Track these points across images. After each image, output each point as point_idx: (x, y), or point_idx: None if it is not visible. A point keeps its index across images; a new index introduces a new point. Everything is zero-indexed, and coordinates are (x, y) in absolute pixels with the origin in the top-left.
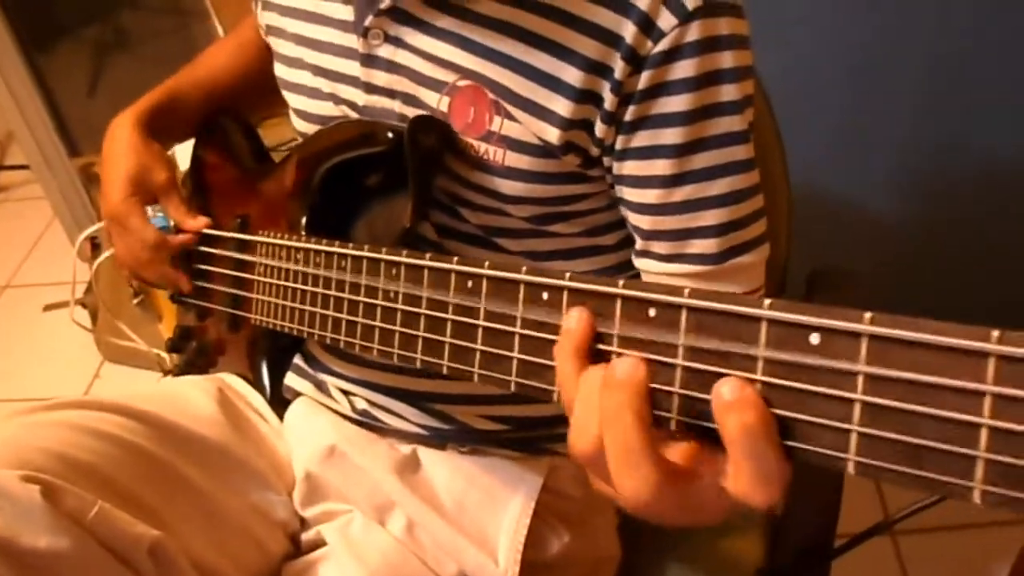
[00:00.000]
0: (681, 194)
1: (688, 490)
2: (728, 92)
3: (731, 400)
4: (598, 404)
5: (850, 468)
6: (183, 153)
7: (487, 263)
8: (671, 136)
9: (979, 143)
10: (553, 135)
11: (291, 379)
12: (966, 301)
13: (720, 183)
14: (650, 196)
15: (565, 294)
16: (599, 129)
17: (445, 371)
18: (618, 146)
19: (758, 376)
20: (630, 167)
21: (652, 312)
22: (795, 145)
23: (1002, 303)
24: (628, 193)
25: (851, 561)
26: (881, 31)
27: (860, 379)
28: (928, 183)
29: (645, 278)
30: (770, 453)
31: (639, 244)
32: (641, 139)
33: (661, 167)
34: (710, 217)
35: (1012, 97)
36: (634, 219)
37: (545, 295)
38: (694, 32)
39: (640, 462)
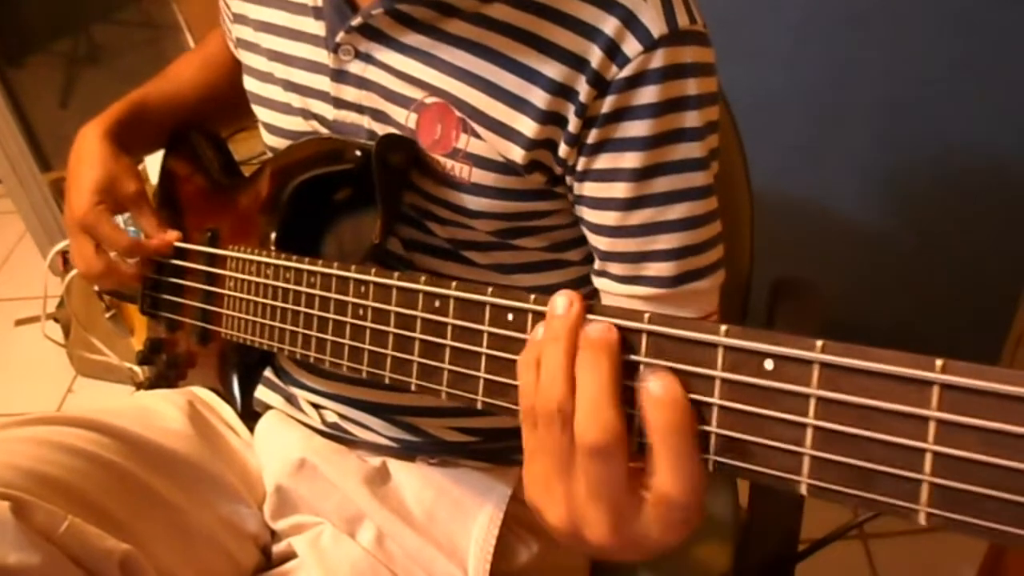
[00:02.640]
0: (638, 217)
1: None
2: (690, 119)
3: (659, 397)
4: (567, 361)
5: (803, 490)
6: (153, 166)
7: (454, 284)
8: (631, 160)
9: (942, 153)
10: (518, 155)
11: (261, 392)
12: (929, 308)
13: (678, 208)
14: (608, 218)
15: (530, 316)
16: (562, 150)
17: (413, 388)
18: (579, 167)
19: (715, 399)
20: (590, 188)
21: None
22: (759, 156)
23: (964, 309)
24: (587, 214)
25: (823, 564)
26: (845, 43)
27: (812, 404)
28: (892, 192)
29: (603, 298)
30: (686, 448)
31: (597, 264)
32: (602, 161)
33: (620, 190)
34: (666, 241)
35: (974, 108)
36: (593, 239)
37: (510, 316)
38: (659, 59)
39: (607, 406)
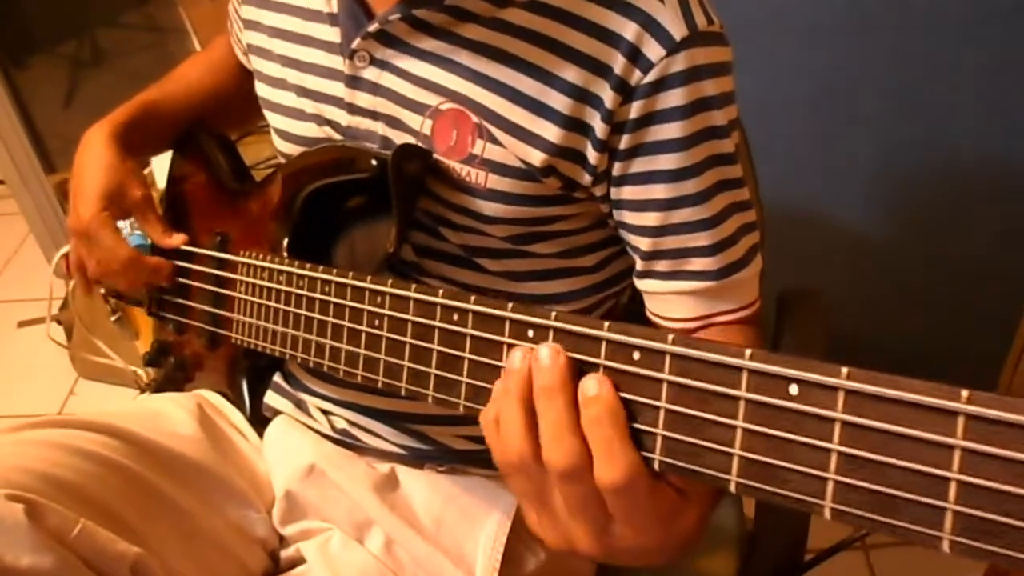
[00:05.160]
0: (679, 216)
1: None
2: (717, 117)
3: (588, 396)
4: (521, 413)
5: (826, 514)
6: (160, 169)
7: (473, 298)
8: (666, 162)
9: (948, 162)
10: (537, 158)
11: (271, 397)
12: (933, 318)
13: (714, 202)
14: (649, 219)
15: (551, 333)
16: (592, 157)
17: (430, 401)
18: (615, 172)
19: (739, 421)
20: (628, 192)
21: (636, 356)
22: (764, 164)
23: (968, 319)
24: (628, 217)
25: (824, 575)
26: (849, 52)
27: (837, 429)
28: (897, 201)
29: (648, 299)
30: (612, 436)
31: (640, 265)
32: (638, 165)
33: (659, 191)
34: (706, 237)
35: (980, 116)
36: (634, 240)
37: (531, 332)
38: (681, 62)
39: (566, 435)
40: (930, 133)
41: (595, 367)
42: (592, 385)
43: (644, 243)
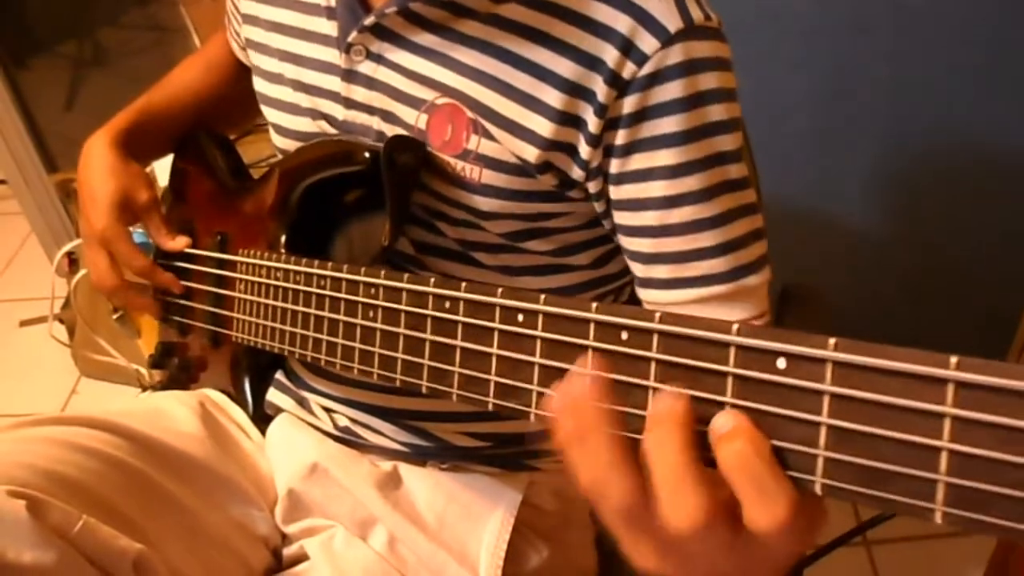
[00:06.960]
0: (679, 215)
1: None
2: (717, 112)
3: (726, 432)
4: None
5: (817, 489)
6: (161, 169)
7: (463, 285)
8: (665, 157)
9: (948, 160)
10: (531, 154)
11: (273, 395)
12: (933, 315)
13: (716, 202)
14: (648, 218)
15: (540, 318)
16: (584, 151)
17: (424, 391)
18: (613, 171)
19: (727, 398)
20: (627, 191)
21: (624, 336)
22: (764, 162)
23: (968, 316)
24: (626, 217)
25: (825, 570)
26: (849, 51)
27: (826, 402)
28: (897, 199)
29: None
30: (767, 474)
31: (640, 272)
32: (636, 162)
33: (658, 188)
34: (709, 237)
35: (979, 115)
36: (634, 244)
37: (520, 317)
38: (676, 55)
39: (687, 488)
40: (929, 132)
41: (583, 348)
42: (724, 420)
43: (645, 245)
